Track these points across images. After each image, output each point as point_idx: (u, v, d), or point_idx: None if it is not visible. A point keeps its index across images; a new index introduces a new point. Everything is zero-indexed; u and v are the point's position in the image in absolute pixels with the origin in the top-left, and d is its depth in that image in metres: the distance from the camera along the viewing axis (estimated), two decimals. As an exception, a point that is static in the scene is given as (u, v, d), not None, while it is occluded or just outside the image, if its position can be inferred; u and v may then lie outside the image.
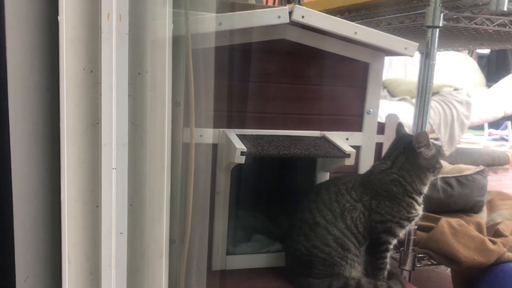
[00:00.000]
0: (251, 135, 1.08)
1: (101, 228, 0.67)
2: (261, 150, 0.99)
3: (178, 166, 0.83)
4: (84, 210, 0.67)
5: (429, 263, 1.29)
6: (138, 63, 0.68)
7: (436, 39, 1.12)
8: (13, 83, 0.66)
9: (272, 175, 1.38)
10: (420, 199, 1.04)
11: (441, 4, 1.09)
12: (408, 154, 1.02)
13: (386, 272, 1.06)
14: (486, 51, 5.02)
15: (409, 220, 1.03)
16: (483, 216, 1.45)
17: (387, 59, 1.18)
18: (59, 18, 0.63)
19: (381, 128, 1.19)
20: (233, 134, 1.04)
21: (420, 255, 1.26)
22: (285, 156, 1.00)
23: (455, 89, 2.89)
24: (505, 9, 1.04)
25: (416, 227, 1.19)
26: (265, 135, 1.09)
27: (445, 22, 1.13)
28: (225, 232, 1.10)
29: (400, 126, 1.11)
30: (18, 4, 0.65)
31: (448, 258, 1.19)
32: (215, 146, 1.06)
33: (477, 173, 1.43)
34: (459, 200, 1.40)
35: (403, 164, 1.02)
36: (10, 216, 0.68)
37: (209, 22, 0.93)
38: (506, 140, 4.51)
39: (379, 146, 1.20)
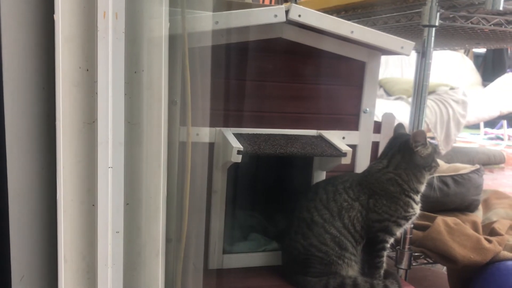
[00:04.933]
0: (248, 134, 1.08)
1: (97, 227, 0.66)
2: (258, 149, 0.99)
3: (174, 165, 0.83)
4: (80, 209, 0.67)
5: (425, 261, 1.30)
6: (134, 61, 0.68)
7: (433, 38, 1.13)
8: (9, 81, 0.66)
9: (268, 174, 1.38)
10: (418, 198, 1.04)
11: (437, 3, 1.10)
12: (404, 153, 1.02)
13: (382, 271, 1.06)
14: (482, 50, 5.04)
15: (407, 219, 1.03)
16: (479, 215, 1.46)
17: (383, 58, 1.18)
18: (55, 16, 0.63)
19: (377, 127, 1.19)
20: (229, 133, 1.04)
21: (416, 254, 1.26)
22: (282, 155, 1.00)
23: (451, 88, 2.90)
24: (501, 8, 1.04)
25: (412, 225, 1.19)
26: (261, 134, 1.09)
27: (442, 21, 1.14)
28: (221, 231, 1.10)
29: (398, 126, 1.11)
30: (14, 2, 0.65)
31: (444, 256, 1.20)
32: (211, 145, 1.06)
33: (473, 172, 1.44)
34: (455, 199, 1.40)
35: (399, 163, 1.02)
36: (6, 215, 0.68)
37: (205, 21, 0.93)
38: (502, 139, 4.53)
39: (375, 145, 1.20)
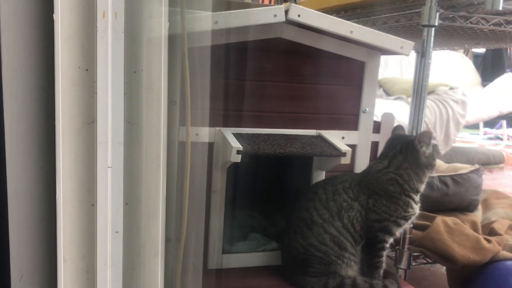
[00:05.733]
0: (247, 133, 1.08)
1: (96, 227, 0.66)
2: (257, 149, 0.99)
3: (174, 165, 0.83)
4: (79, 208, 0.67)
5: (425, 261, 1.30)
6: (134, 61, 0.68)
7: (432, 38, 1.13)
8: (9, 81, 0.66)
9: (268, 174, 1.38)
10: (417, 198, 1.05)
11: (437, 3, 1.10)
12: (406, 153, 1.02)
13: (382, 271, 1.06)
14: (481, 50, 5.04)
15: (406, 219, 1.04)
16: (478, 215, 1.46)
17: (383, 58, 1.18)
18: (55, 16, 0.63)
19: (377, 127, 1.19)
20: (229, 133, 1.04)
21: (415, 254, 1.26)
22: (281, 155, 1.00)
23: (451, 88, 2.90)
24: (501, 8, 1.04)
25: (411, 225, 1.19)
26: (261, 133, 1.09)
27: (441, 21, 1.14)
28: (221, 230, 1.10)
29: (396, 128, 1.11)
30: (14, 2, 0.65)
31: (443, 256, 1.20)
32: (211, 145, 1.06)
33: (472, 172, 1.44)
34: (454, 199, 1.41)
35: (401, 163, 1.02)
36: (5, 214, 0.68)
37: (205, 21, 0.93)
38: (501, 139, 4.53)
39: (375, 145, 1.20)
